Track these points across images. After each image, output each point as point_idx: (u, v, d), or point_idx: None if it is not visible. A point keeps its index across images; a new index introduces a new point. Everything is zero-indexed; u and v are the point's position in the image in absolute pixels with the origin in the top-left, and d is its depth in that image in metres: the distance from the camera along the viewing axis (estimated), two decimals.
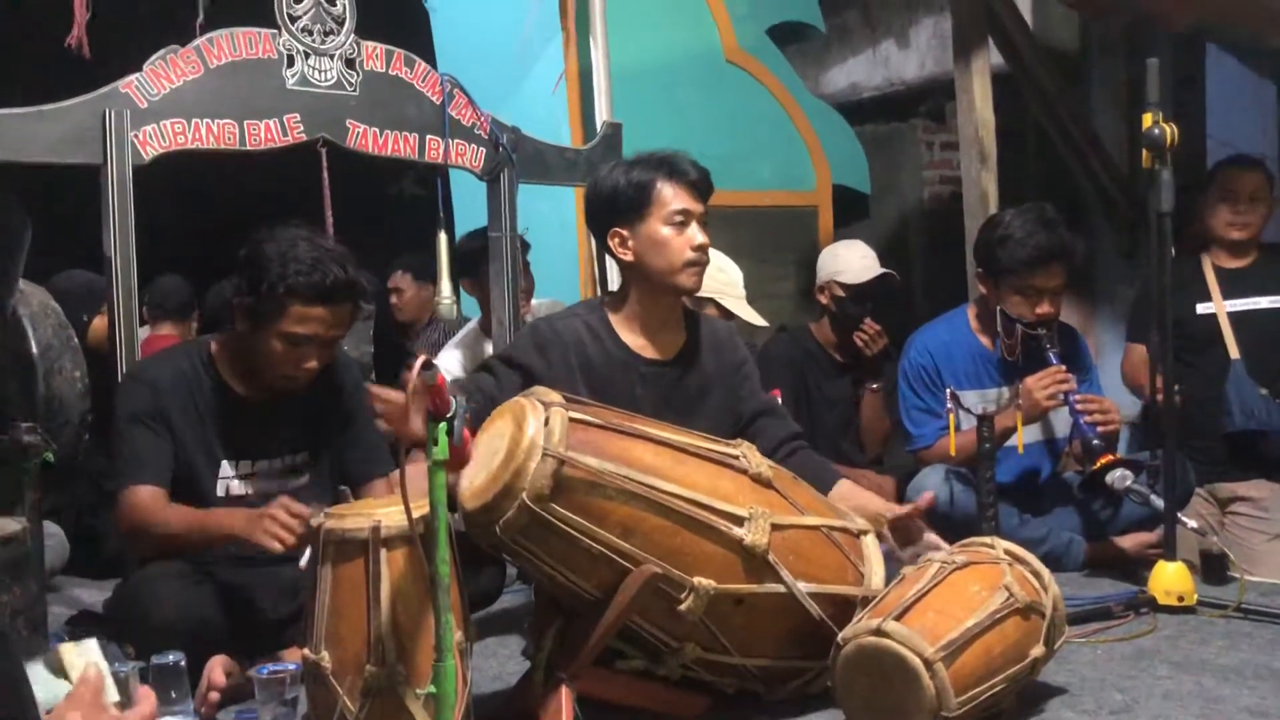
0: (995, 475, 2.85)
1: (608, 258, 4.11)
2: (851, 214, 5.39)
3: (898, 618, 1.94)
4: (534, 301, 3.75)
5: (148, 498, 2.35)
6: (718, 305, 3.16)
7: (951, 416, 2.95)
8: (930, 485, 3.03)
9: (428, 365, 1.63)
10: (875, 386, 3.75)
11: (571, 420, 1.91)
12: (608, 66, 4.31)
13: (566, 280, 4.41)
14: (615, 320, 2.40)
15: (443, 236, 3.25)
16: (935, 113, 5.59)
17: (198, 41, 2.79)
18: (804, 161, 5.13)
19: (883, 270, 3.71)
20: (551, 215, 4.38)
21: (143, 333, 4.27)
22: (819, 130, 5.15)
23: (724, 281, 3.18)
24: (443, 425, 1.67)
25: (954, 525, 2.85)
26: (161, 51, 2.76)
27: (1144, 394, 3.35)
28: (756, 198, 4.95)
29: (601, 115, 4.21)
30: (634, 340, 2.39)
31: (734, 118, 4.92)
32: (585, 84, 4.45)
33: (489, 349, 3.56)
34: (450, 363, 3.60)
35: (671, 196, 2.32)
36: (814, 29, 5.38)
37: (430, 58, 3.48)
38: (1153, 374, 2.82)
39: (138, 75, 2.71)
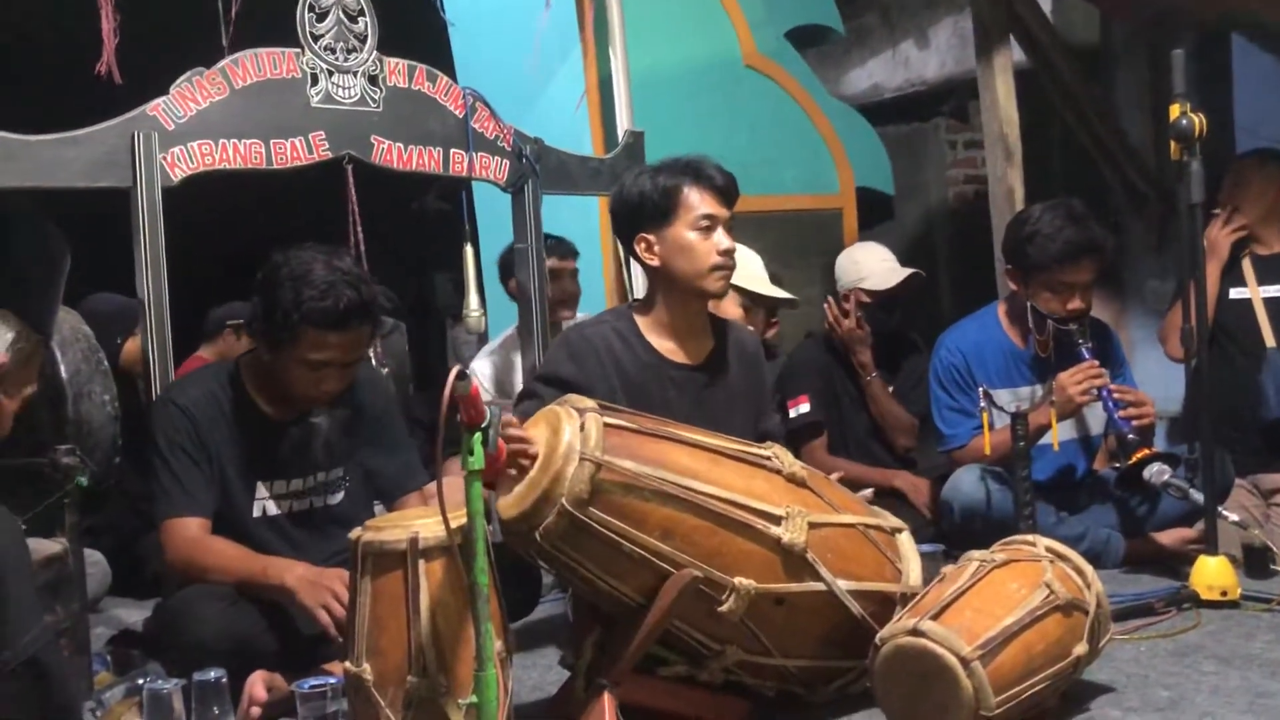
0: (1031, 473, 2.83)
1: (631, 269, 4.23)
2: (876, 216, 5.38)
3: (935, 617, 1.93)
4: (578, 314, 3.77)
5: (195, 531, 2.36)
6: (740, 291, 3.13)
7: (985, 415, 2.93)
8: (965, 486, 3.02)
9: (462, 375, 1.64)
10: (871, 376, 3.65)
11: (606, 425, 1.91)
12: (627, 75, 4.32)
13: (592, 291, 4.41)
14: (644, 325, 2.41)
15: (469, 249, 3.26)
16: (958, 111, 5.57)
17: (222, 63, 2.81)
18: (827, 164, 5.12)
19: (908, 271, 3.66)
20: (576, 226, 4.38)
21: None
22: (841, 132, 5.14)
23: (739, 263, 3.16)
24: (477, 435, 1.68)
25: (991, 525, 2.84)
26: (187, 74, 2.78)
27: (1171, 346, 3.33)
28: (779, 202, 4.94)
29: (622, 124, 4.22)
30: (663, 345, 2.40)
31: (755, 122, 4.91)
32: (605, 93, 4.46)
33: (518, 357, 3.57)
34: (482, 369, 3.61)
35: (698, 201, 2.33)
36: (833, 31, 5.37)
37: (450, 72, 3.50)
38: (1188, 364, 2.80)
39: (164, 98, 2.73)
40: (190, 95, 2.77)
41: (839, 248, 4.83)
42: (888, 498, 3.38)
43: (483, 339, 3.98)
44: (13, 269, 1.14)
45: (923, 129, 5.65)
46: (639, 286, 4.20)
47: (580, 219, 4.42)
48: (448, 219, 5.08)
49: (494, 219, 3.83)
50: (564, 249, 3.88)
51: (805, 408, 3.60)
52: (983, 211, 4.18)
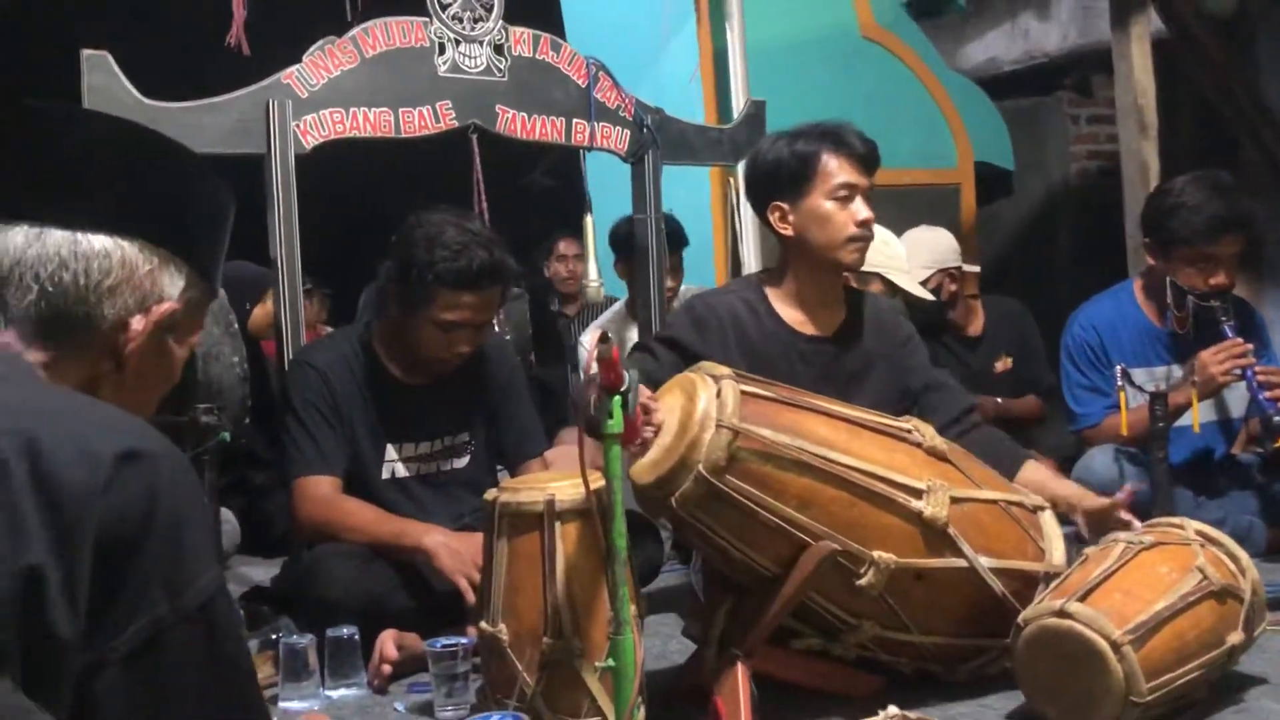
0: (1169, 455, 2.72)
1: (743, 242, 4.17)
2: (995, 191, 5.24)
3: (1082, 599, 1.85)
4: (682, 285, 3.74)
5: (328, 490, 2.40)
6: (883, 280, 3.09)
7: (1122, 394, 2.82)
8: (1099, 466, 2.92)
9: (604, 339, 1.63)
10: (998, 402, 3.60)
11: (743, 393, 1.88)
12: (743, 46, 4.26)
13: (702, 265, 4.38)
14: (773, 296, 2.36)
15: (589, 220, 3.25)
16: (1081, 85, 5.39)
17: (353, 31, 2.85)
18: (945, 138, 4.99)
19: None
20: (687, 198, 4.35)
21: None
22: (959, 106, 5.01)
23: (889, 255, 3.11)
24: (617, 399, 1.67)
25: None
26: (320, 42, 2.82)
27: None
28: (896, 176, 4.82)
29: (738, 95, 4.17)
30: (793, 316, 2.35)
31: (872, 95, 4.81)
32: (720, 64, 4.42)
33: (633, 333, 3.56)
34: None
35: (836, 169, 2.26)
36: (952, 2, 5.24)
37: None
38: None
39: (298, 66, 2.78)
40: (322, 63, 2.81)
41: (957, 223, 4.73)
42: None
43: (595, 310, 3.98)
44: (185, 218, 1.14)
45: (1044, 103, 5.48)
46: (751, 259, 4.16)
47: (692, 191, 4.38)
48: (554, 195, 5.09)
49: (601, 193, 3.81)
50: None
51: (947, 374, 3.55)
52: (1106, 188, 4.04)
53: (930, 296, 3.31)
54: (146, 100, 2.60)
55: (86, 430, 0.91)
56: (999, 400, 3.61)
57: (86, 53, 2.56)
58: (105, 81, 2.55)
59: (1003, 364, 3.76)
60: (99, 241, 1.05)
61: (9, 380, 1.00)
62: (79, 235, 1.05)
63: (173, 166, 1.16)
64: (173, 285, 1.11)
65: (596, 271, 3.27)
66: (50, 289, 1.03)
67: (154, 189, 1.12)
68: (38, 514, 0.86)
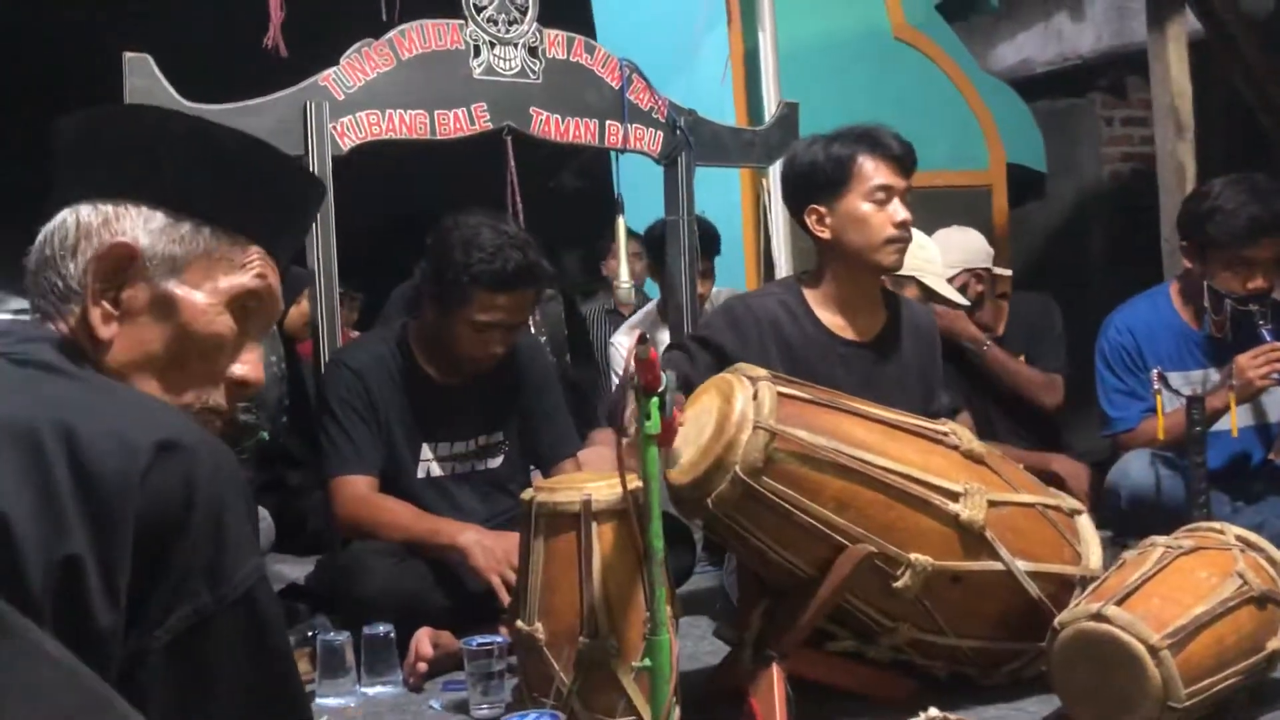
0: (1207, 460, 2.70)
1: (774, 244, 4.17)
2: (1027, 194, 5.20)
3: (1119, 603, 1.84)
4: (713, 289, 3.74)
5: (365, 489, 2.42)
6: (919, 284, 3.08)
7: (1159, 398, 2.80)
8: (1135, 470, 2.91)
9: (642, 340, 1.64)
10: (986, 346, 3.52)
11: (780, 394, 1.88)
12: (775, 47, 4.26)
13: (733, 268, 4.38)
14: (812, 299, 2.36)
15: (621, 221, 3.26)
16: (1115, 87, 5.35)
17: (390, 34, 2.87)
18: (977, 140, 4.97)
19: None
20: (717, 199, 4.35)
21: None
22: (992, 108, 4.99)
23: (924, 259, 3.10)
24: (654, 400, 1.67)
25: (1161, 513, 2.72)
26: (357, 45, 2.85)
27: None
28: (928, 178, 4.77)
29: (769, 96, 4.17)
30: (832, 320, 2.35)
31: (904, 96, 4.79)
32: (751, 65, 4.42)
33: (665, 335, 3.56)
34: (627, 344, 3.62)
35: (873, 171, 2.26)
36: (984, 3, 5.21)
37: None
38: None
39: (335, 69, 2.80)
40: (359, 66, 2.83)
41: (988, 226, 4.70)
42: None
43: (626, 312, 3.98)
44: (144, 160, 1.11)
45: (1077, 105, 5.44)
46: (783, 262, 4.16)
47: (721, 192, 4.38)
48: (585, 197, 5.10)
49: (633, 194, 3.82)
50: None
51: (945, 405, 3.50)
52: (1140, 190, 4.01)
53: (962, 299, 3.30)
54: (186, 102, 2.62)
55: (125, 421, 0.91)
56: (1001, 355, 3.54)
57: (128, 55, 2.59)
58: (146, 84, 2.58)
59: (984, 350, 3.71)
60: (58, 217, 1.08)
61: (51, 370, 1.00)
62: (48, 222, 1.09)
63: (126, 120, 1.17)
64: (139, 228, 1.08)
65: (628, 273, 3.28)
66: (34, 271, 1.08)
67: (102, 148, 1.10)
68: (77, 504, 0.86)
